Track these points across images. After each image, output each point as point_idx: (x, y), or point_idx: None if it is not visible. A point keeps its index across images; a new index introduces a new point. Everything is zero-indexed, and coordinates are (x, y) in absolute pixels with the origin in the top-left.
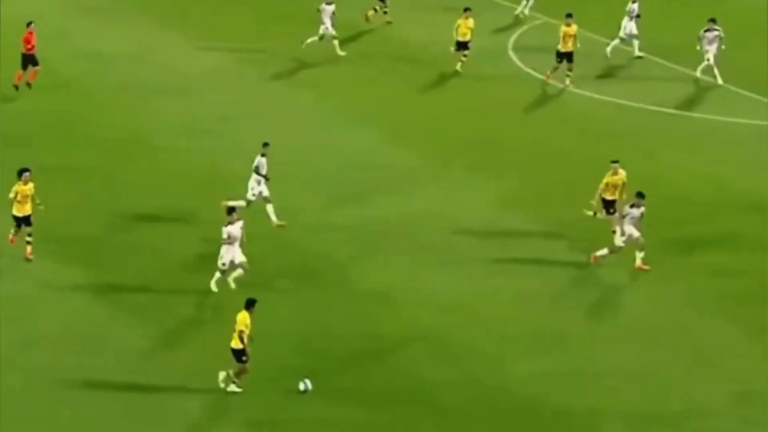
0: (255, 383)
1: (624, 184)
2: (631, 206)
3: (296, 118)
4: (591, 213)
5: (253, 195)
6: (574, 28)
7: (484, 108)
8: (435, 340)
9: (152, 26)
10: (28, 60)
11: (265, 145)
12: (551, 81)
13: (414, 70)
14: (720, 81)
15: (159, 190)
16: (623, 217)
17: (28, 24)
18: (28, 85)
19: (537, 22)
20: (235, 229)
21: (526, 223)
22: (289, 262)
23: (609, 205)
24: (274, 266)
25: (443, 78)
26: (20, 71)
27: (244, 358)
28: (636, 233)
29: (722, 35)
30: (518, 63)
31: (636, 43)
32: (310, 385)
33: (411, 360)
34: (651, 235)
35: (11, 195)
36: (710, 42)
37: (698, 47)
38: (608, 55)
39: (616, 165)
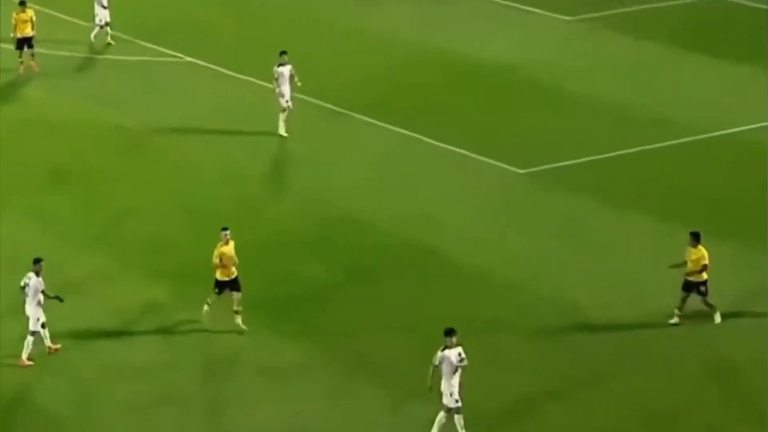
0: None
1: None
2: None
3: None
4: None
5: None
6: (29, 13)
7: None
8: None
9: None
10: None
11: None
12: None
13: None
14: (284, 133)
15: None
16: None
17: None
18: None
19: None
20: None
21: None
22: None
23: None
24: None
25: None
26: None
27: None
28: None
29: (293, 71)
30: None
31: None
32: None
33: None
34: None
35: None
36: (285, 80)
37: (272, 86)
38: (93, 39)
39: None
